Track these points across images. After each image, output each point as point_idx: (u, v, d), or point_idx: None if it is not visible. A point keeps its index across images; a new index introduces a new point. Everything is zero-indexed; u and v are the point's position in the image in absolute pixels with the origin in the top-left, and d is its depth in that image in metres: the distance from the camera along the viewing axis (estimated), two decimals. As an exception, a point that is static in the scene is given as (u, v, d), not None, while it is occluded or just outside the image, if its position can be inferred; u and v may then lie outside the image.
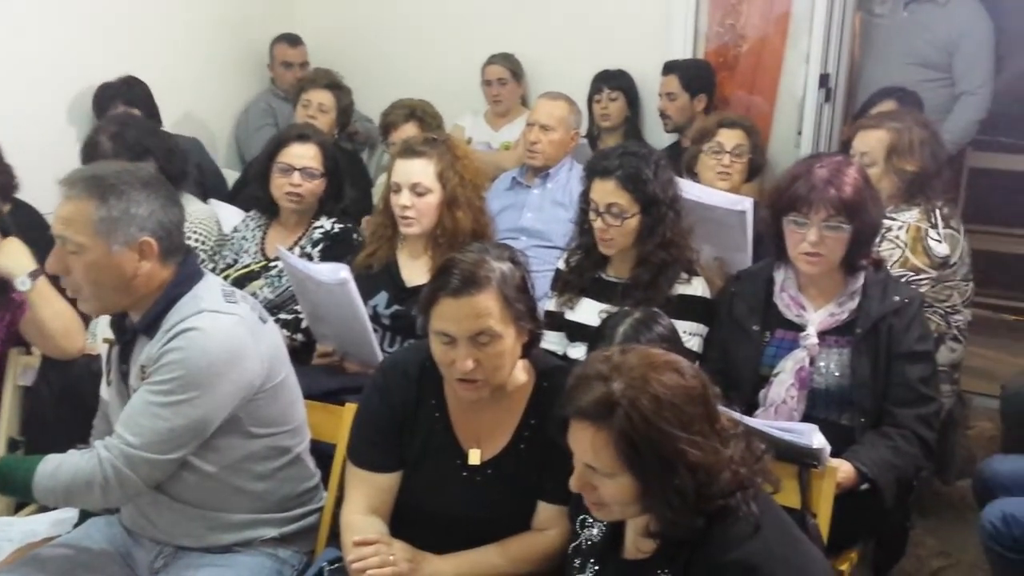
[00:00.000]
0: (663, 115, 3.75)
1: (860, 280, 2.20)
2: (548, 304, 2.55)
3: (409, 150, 2.52)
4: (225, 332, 1.75)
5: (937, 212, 2.67)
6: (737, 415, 1.81)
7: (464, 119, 4.08)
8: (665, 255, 2.35)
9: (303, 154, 2.75)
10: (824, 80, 3.60)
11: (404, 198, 2.47)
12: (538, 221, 3.18)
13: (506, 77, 3.99)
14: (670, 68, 3.71)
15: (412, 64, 4.32)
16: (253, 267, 2.73)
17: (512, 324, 1.72)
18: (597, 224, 2.37)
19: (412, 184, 2.47)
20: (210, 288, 1.83)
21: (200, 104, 4.13)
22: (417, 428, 1.84)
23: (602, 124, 3.86)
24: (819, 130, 3.67)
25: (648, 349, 1.49)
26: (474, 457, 1.82)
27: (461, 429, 1.83)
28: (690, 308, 2.35)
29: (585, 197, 2.42)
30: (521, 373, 1.83)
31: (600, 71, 3.87)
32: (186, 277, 1.82)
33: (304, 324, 2.61)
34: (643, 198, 2.33)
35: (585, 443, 1.41)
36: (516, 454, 1.81)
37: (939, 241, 2.63)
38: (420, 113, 3.44)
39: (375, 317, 2.51)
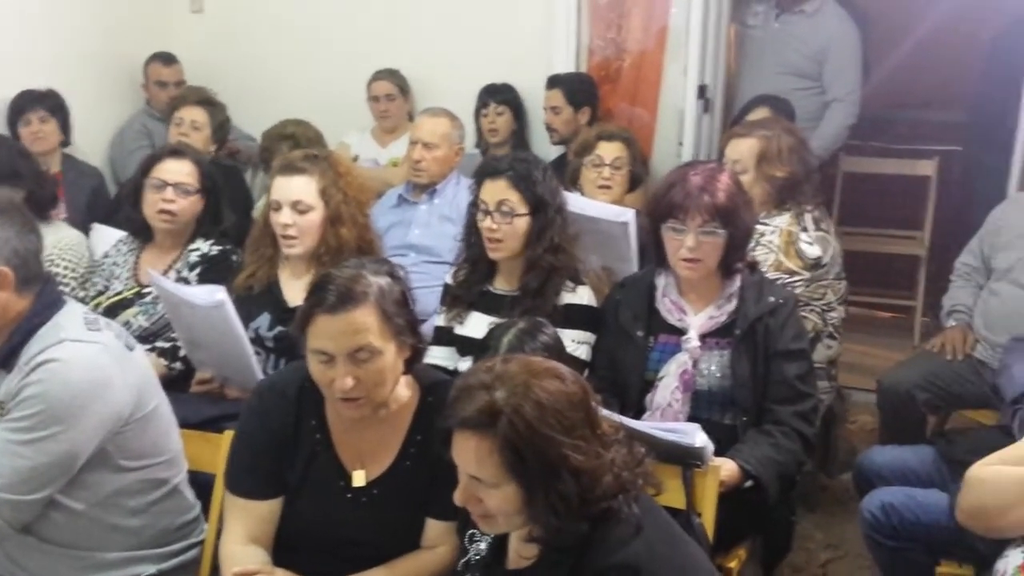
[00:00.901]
0: (549, 128, 3.79)
1: (737, 283, 2.26)
2: (437, 319, 2.54)
3: (289, 167, 2.47)
4: (88, 362, 1.68)
5: (807, 216, 2.77)
6: (621, 418, 1.84)
7: (350, 136, 4.03)
8: (553, 260, 2.37)
9: (177, 170, 2.64)
10: (702, 91, 3.69)
11: (285, 216, 2.42)
12: (426, 237, 3.16)
13: (394, 93, 3.97)
14: (554, 82, 3.75)
15: (295, 81, 4.25)
16: (125, 294, 2.61)
17: (392, 339, 1.70)
18: (486, 224, 2.36)
19: (293, 202, 2.42)
20: (71, 317, 1.75)
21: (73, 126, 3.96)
22: (297, 451, 1.79)
23: (490, 139, 3.88)
24: (699, 139, 3.76)
25: (529, 357, 1.50)
26: (358, 479, 1.78)
27: (344, 450, 1.80)
28: (577, 317, 2.38)
29: (474, 204, 2.42)
30: (404, 389, 1.81)
31: (486, 85, 3.89)
32: (44, 306, 1.73)
33: (183, 351, 2.52)
34: (533, 199, 2.36)
35: (469, 453, 1.40)
36: (402, 472, 1.79)
37: (810, 244, 2.72)
38: (300, 139, 3.39)
39: (258, 340, 2.45)
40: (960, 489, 2.09)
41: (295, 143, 3.36)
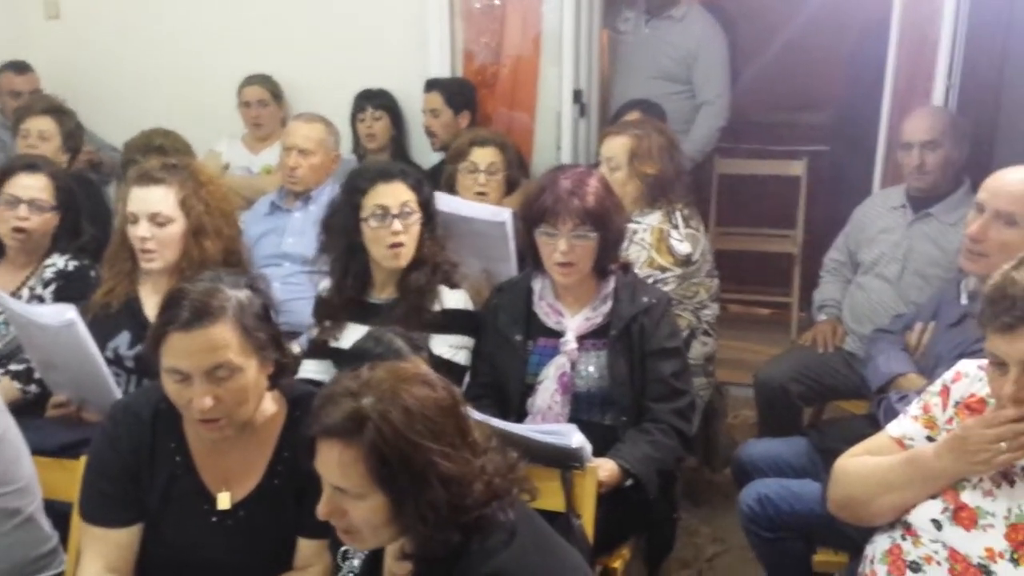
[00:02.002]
0: (429, 132, 3.75)
1: (611, 284, 2.28)
2: (311, 333, 2.47)
3: (146, 177, 2.35)
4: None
5: (678, 214, 2.82)
6: (497, 422, 1.82)
7: (220, 144, 3.90)
8: (439, 261, 2.35)
9: (31, 185, 2.52)
10: (578, 95, 3.73)
11: (143, 229, 2.30)
12: (301, 245, 3.06)
13: (266, 99, 3.86)
14: (432, 85, 3.72)
15: (160, 88, 4.09)
16: (-27, 317, 2.45)
17: (254, 355, 1.63)
18: (395, 227, 2.28)
19: (151, 214, 2.30)
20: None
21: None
22: (155, 476, 1.70)
23: (368, 144, 3.81)
24: (577, 142, 3.79)
25: (397, 364, 1.46)
26: (223, 501, 1.71)
27: (207, 472, 1.72)
28: (455, 322, 2.34)
29: (350, 213, 2.33)
30: (270, 405, 1.74)
31: (362, 90, 3.83)
32: None
33: (37, 374, 2.37)
34: (424, 202, 2.34)
35: (333, 462, 1.35)
36: (270, 492, 1.72)
37: (681, 241, 2.77)
38: (168, 150, 3.24)
39: (117, 360, 2.32)
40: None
41: (162, 154, 3.21)
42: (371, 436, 1.31)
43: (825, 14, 4.99)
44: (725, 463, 3.23)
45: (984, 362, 1.67)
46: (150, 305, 2.34)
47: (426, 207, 2.35)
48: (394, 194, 2.30)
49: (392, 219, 2.28)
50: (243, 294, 1.64)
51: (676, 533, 2.58)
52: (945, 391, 1.71)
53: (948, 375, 1.72)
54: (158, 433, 1.70)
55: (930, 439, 1.71)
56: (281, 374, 1.74)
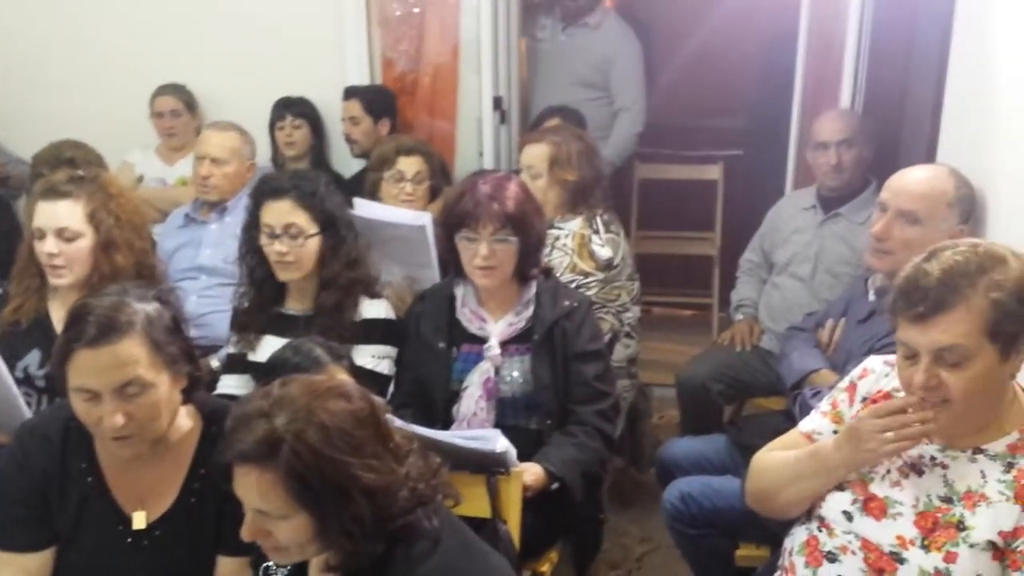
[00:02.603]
0: (349, 140, 3.73)
1: (533, 289, 2.29)
2: (228, 346, 2.42)
3: (52, 191, 2.28)
4: None
5: (598, 219, 2.86)
6: (420, 429, 1.81)
7: (133, 155, 3.79)
8: (351, 275, 2.31)
9: None
10: (498, 102, 3.74)
11: (50, 245, 2.23)
12: (217, 257, 3.00)
13: (179, 108, 3.77)
14: (351, 93, 3.70)
15: (73, 99, 3.94)
16: None
17: (165, 370, 1.59)
18: (275, 248, 2.27)
19: (58, 229, 2.24)
20: None
21: None
22: (67, 497, 1.65)
23: (287, 152, 3.76)
24: (499, 149, 3.80)
25: (311, 378, 1.44)
26: (139, 520, 1.66)
27: (121, 491, 1.67)
28: (375, 331, 2.33)
29: (254, 225, 2.31)
30: (185, 420, 1.70)
31: (280, 98, 3.78)
32: None
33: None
34: (322, 217, 2.28)
35: (252, 487, 1.32)
36: (187, 509, 1.68)
37: (602, 245, 2.81)
38: (79, 162, 3.14)
39: (27, 379, 2.24)
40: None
41: (73, 166, 3.11)
42: (287, 458, 1.29)
43: (737, 21, 5.12)
44: (651, 463, 3.27)
45: (890, 358, 1.73)
46: (61, 322, 2.26)
47: (327, 222, 2.29)
48: (280, 213, 2.26)
49: (277, 238, 2.26)
50: (151, 307, 1.60)
51: (603, 534, 2.61)
52: (852, 387, 1.76)
53: (855, 372, 1.78)
54: (68, 453, 1.65)
55: (835, 432, 1.76)
56: (195, 388, 1.70)
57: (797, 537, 1.75)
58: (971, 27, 2.33)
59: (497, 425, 2.20)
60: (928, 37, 3.91)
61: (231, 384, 2.35)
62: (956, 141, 2.42)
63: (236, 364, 2.36)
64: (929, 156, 2.68)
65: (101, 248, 2.27)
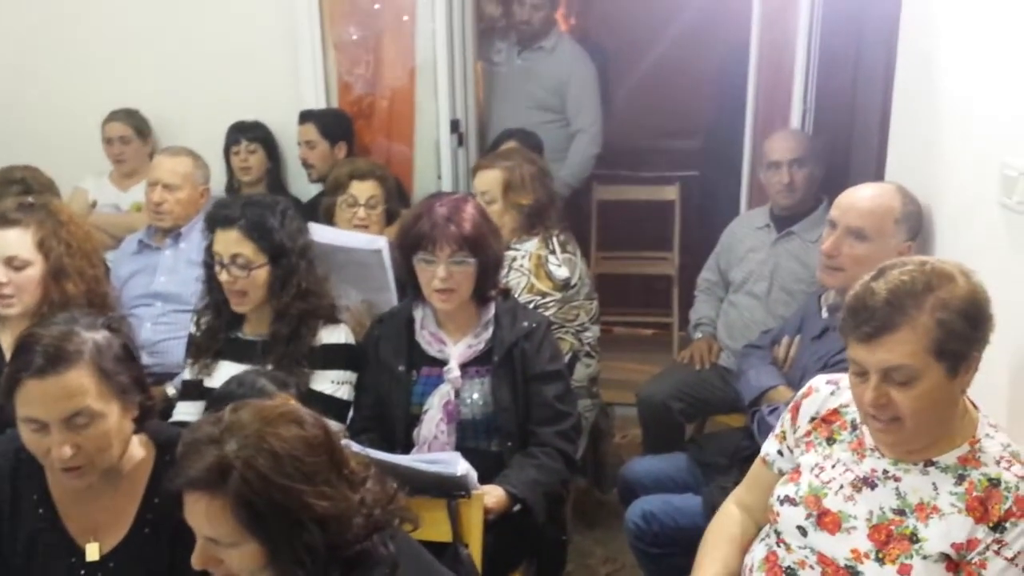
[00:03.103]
0: (305, 164, 3.71)
1: (492, 310, 2.29)
2: (184, 372, 2.39)
3: (1, 219, 2.24)
4: None
5: (555, 239, 2.88)
6: (378, 454, 1.80)
7: (87, 181, 3.75)
8: (304, 305, 2.28)
9: None
10: (455, 125, 3.76)
11: (-2, 273, 2.19)
12: (172, 284, 2.97)
13: (128, 135, 3.72)
14: (306, 117, 3.68)
15: (25, 124, 3.90)
16: None
17: (115, 399, 1.56)
18: (223, 277, 2.25)
19: (7, 258, 2.20)
20: None
21: None
22: (18, 529, 1.61)
23: (243, 177, 3.74)
24: (457, 172, 3.82)
25: (263, 403, 1.42)
26: (92, 552, 1.63)
27: (73, 522, 1.64)
28: (335, 356, 2.31)
29: (209, 251, 2.30)
30: (138, 449, 1.67)
31: (235, 123, 3.75)
32: None
33: None
34: (270, 248, 2.25)
35: (201, 514, 1.31)
36: (141, 540, 1.65)
37: (559, 266, 2.83)
38: (31, 185, 3.09)
39: (-26, 411, 2.18)
40: (711, 491, 2.23)
41: (25, 190, 3.06)
42: (237, 485, 1.27)
43: (691, 45, 5.22)
44: (614, 483, 3.28)
45: (834, 376, 1.76)
46: (10, 350, 2.21)
47: (276, 253, 2.25)
48: (227, 243, 2.24)
49: (225, 267, 2.24)
50: (100, 336, 1.58)
51: (567, 556, 2.60)
52: (796, 407, 1.78)
53: (801, 391, 1.80)
54: (19, 485, 1.62)
55: (780, 453, 1.80)
56: (147, 417, 1.67)
57: (757, 553, 1.76)
58: (915, 49, 2.40)
59: (458, 448, 2.19)
60: (874, 58, 4.01)
61: (187, 411, 2.31)
62: (902, 159, 2.48)
63: (192, 390, 2.33)
64: (878, 174, 2.74)
65: (51, 276, 2.23)
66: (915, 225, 2.21)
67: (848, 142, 4.33)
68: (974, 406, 1.63)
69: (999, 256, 1.81)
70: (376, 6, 3.70)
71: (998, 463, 1.54)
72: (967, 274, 1.53)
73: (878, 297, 1.51)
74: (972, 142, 2.00)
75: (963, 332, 1.49)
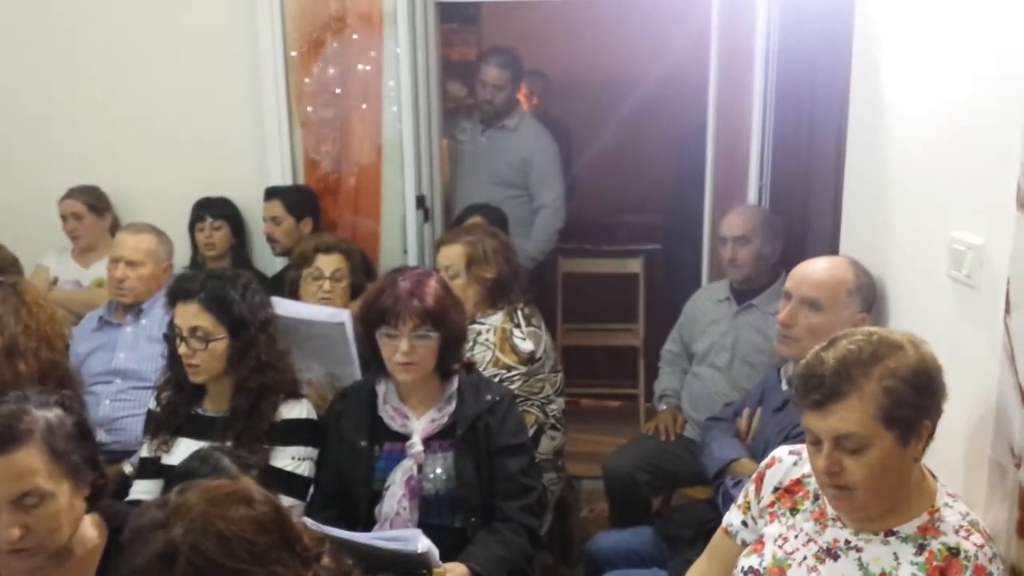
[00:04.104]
0: (270, 239, 3.71)
1: (455, 384, 2.29)
2: (142, 450, 2.35)
3: (-39, 295, 2.22)
4: None
5: (519, 313, 2.90)
6: (337, 531, 1.76)
7: (48, 258, 3.72)
8: (263, 379, 2.26)
9: None
10: (421, 201, 3.80)
11: (-49, 350, 2.16)
12: (132, 360, 2.93)
13: (80, 211, 3.69)
14: (272, 193, 3.70)
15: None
16: None
17: (66, 479, 1.53)
18: (182, 350, 2.23)
19: (-42, 333, 2.17)
20: None
21: None
22: (-39, 617, 1.55)
23: (207, 253, 3.73)
24: (423, 246, 3.84)
25: (209, 483, 1.39)
26: (39, 639, 1.57)
27: (19, 608, 1.57)
28: (296, 432, 2.28)
29: (171, 325, 2.29)
30: (90, 530, 1.63)
31: (200, 199, 3.76)
32: None
33: None
34: (230, 320, 2.24)
35: None
36: (90, 626, 1.59)
37: (523, 339, 2.84)
38: None
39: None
40: (676, 565, 2.21)
41: None
42: (183, 571, 1.24)
43: (651, 122, 5.36)
44: (580, 559, 3.23)
45: (796, 447, 1.77)
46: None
47: (236, 326, 2.24)
48: (187, 315, 2.24)
49: (184, 340, 2.23)
50: (52, 414, 1.56)
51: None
52: (759, 477, 1.80)
53: (764, 462, 1.82)
54: (-37, 570, 1.56)
55: (744, 523, 1.80)
56: (100, 496, 1.64)
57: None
58: (864, 126, 2.48)
59: (421, 524, 2.17)
60: (826, 136, 4.14)
61: (144, 489, 2.27)
62: (855, 233, 2.54)
63: (149, 468, 2.29)
64: (833, 248, 2.80)
65: (3, 354, 2.20)
66: (869, 297, 2.26)
67: (804, 217, 4.43)
68: (932, 476, 1.65)
69: (950, 327, 1.86)
70: (337, 91, 3.75)
71: (957, 532, 1.55)
72: (916, 344, 1.56)
73: (827, 366, 1.54)
74: (921, 218, 2.06)
75: (911, 400, 1.51)
